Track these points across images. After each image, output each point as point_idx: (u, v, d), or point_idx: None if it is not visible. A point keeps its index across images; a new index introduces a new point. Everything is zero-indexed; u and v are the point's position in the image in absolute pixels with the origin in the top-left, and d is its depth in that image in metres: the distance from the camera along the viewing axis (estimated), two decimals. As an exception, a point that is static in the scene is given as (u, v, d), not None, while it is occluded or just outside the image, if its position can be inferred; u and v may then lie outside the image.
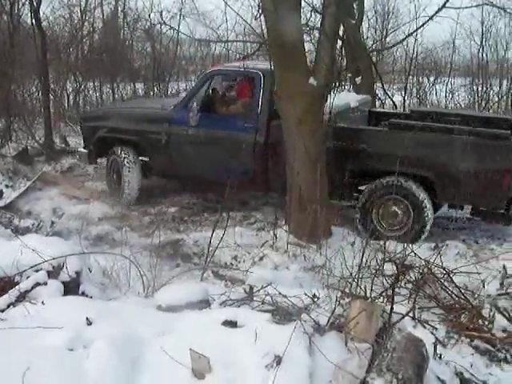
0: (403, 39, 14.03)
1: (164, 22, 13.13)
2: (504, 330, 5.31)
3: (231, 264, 6.82)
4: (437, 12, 7.88)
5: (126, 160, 9.20)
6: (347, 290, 4.84)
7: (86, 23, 18.63)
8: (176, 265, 6.81)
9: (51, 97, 14.91)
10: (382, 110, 11.52)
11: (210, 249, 6.24)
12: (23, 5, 16.59)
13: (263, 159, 8.34)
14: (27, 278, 4.88)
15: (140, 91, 16.90)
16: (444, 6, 7.70)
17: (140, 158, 9.43)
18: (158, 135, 9.00)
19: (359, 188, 8.22)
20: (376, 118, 9.62)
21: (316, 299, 4.42)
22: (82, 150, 10.36)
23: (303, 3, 8.93)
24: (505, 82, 17.76)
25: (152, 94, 16.60)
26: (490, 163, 7.41)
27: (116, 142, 9.45)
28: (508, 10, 13.43)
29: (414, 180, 7.72)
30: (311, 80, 6.98)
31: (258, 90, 8.43)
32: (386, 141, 7.93)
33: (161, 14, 16.09)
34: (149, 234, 7.64)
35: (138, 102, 13.18)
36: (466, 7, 8.54)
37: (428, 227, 7.79)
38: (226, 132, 8.54)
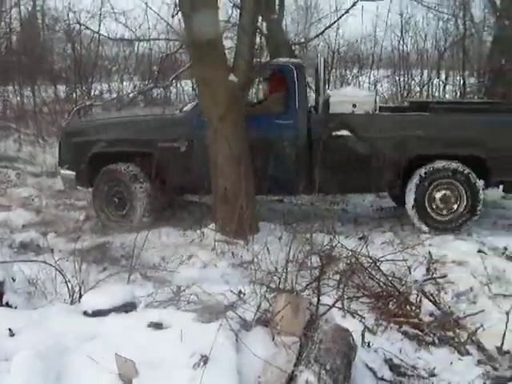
0: (322, 31, 14.23)
1: (79, 23, 12.91)
2: (431, 315, 5.44)
3: (159, 265, 6.76)
4: (353, 5, 7.98)
5: (136, 178, 8.09)
6: (273, 285, 4.84)
7: (1, 24, 18.22)
8: (103, 268, 6.70)
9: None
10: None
11: (137, 250, 6.17)
12: None
13: (307, 157, 7.98)
14: None
15: (62, 93, 16.58)
16: (360, -2, 7.82)
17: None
18: (176, 143, 8.02)
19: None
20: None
21: (242, 295, 4.42)
22: (66, 171, 8.69)
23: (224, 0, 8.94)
24: (425, 72, 18.11)
25: (75, 96, 16.31)
26: None
27: (116, 157, 8.22)
28: (423, 3, 13.73)
29: (464, 162, 7.92)
30: (231, 77, 6.97)
31: (291, 84, 8.01)
32: (436, 125, 8.06)
33: (79, 15, 15.97)
34: (75, 239, 7.53)
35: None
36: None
37: (480, 207, 8.00)
38: (262, 132, 7.91)
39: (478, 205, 7.93)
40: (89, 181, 8.44)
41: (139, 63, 17.18)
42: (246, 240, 6.94)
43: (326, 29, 12.84)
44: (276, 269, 5.31)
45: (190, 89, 14.93)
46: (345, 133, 7.88)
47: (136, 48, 17.56)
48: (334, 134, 7.87)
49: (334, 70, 17.71)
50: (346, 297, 5.52)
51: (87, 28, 14.79)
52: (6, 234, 7.82)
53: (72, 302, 4.98)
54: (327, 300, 4.82)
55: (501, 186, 8.57)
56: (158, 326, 3.90)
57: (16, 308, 4.97)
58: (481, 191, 7.95)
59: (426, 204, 8.01)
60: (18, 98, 16.97)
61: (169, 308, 4.46)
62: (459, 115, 8.24)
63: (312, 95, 8.79)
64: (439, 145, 7.98)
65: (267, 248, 6.07)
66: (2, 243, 7.44)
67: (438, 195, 8.00)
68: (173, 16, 7.32)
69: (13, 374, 3.49)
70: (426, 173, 7.93)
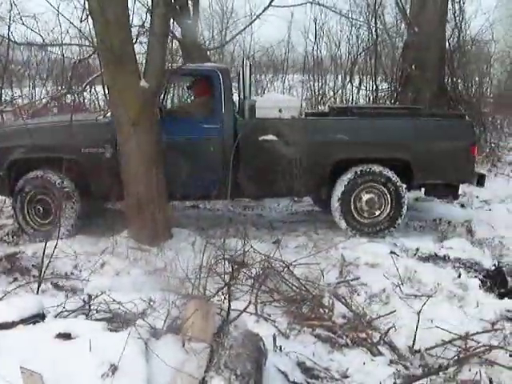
0: (234, 36, 14.33)
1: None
2: (344, 317, 5.52)
3: (71, 274, 6.65)
4: (264, 9, 8.02)
5: (62, 185, 7.78)
6: (184, 292, 4.83)
7: None
8: (13, 279, 6.56)
9: None
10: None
11: (47, 259, 6.05)
12: None
13: (233, 162, 7.72)
14: None
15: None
16: (270, 4, 7.86)
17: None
18: (101, 148, 7.79)
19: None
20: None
21: (152, 303, 4.39)
22: None
23: (138, 4, 8.86)
24: (339, 78, 18.43)
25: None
26: (457, 140, 8.23)
27: (38, 164, 7.90)
28: (336, 10, 13.95)
29: (387, 166, 8.16)
30: (142, 82, 6.92)
31: (217, 88, 7.98)
32: (360, 129, 8.25)
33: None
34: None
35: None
36: (292, 5, 8.74)
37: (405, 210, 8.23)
38: (186, 138, 7.89)
39: (402, 207, 8.16)
40: (9, 188, 8.11)
41: (52, 68, 16.83)
42: (159, 247, 6.89)
43: (238, 33, 12.86)
44: (187, 275, 5.29)
45: (103, 95, 14.74)
46: (271, 137, 7.93)
47: (48, 53, 17.23)
48: (260, 138, 7.93)
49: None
50: (259, 301, 5.56)
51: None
52: None
53: (-22, 315, 4.84)
54: (240, 305, 4.83)
55: (422, 190, 8.89)
56: (66, 336, 3.84)
57: None
58: (404, 194, 8.17)
59: (352, 208, 8.18)
60: None
61: (78, 317, 4.39)
62: (383, 119, 8.45)
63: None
64: (363, 149, 8.17)
65: (180, 254, 6.05)
66: None
67: (363, 199, 8.18)
68: (81, 20, 7.17)
69: None
70: (349, 177, 8.08)
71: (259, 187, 7.92)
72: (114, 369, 3.47)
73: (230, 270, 5.68)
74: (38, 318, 4.40)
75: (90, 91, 14.82)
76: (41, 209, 7.96)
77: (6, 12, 15.65)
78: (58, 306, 4.66)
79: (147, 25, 7.28)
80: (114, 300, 4.31)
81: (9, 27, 15.58)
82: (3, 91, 16.36)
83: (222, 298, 4.98)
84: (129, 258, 6.80)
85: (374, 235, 8.08)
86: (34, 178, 7.90)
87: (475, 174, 8.49)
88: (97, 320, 4.18)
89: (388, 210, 8.19)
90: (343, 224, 8.17)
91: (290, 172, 7.89)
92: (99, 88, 15.11)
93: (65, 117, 8.57)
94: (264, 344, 4.15)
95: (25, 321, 4.33)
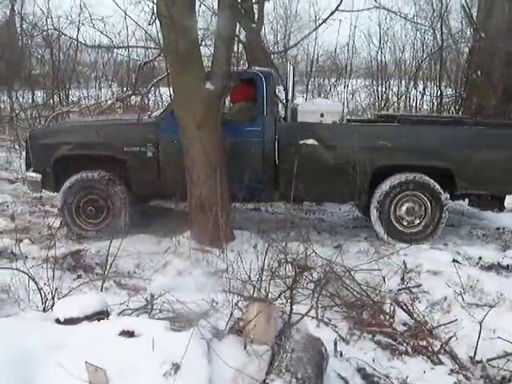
0: (299, 41, 14.20)
1: (56, 29, 12.85)
2: (405, 324, 5.45)
3: (134, 272, 6.75)
4: (331, 14, 8.00)
5: (113, 183, 8.06)
6: (247, 294, 4.85)
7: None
8: (77, 276, 6.68)
9: None
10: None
11: (112, 258, 6.13)
12: None
13: (273, 165, 8.00)
14: None
15: (39, 99, 16.50)
16: (337, 8, 7.83)
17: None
18: (143, 147, 7.94)
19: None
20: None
21: (215, 304, 4.42)
22: (32, 174, 8.48)
23: (204, 7, 8.93)
24: (403, 83, 18.25)
25: (52, 101, 16.24)
26: (502, 150, 7.97)
27: (85, 160, 8.10)
28: (401, 15, 13.82)
29: (430, 175, 8.04)
30: (208, 85, 6.97)
31: (260, 92, 8.03)
32: (403, 136, 8.12)
33: (58, 20, 15.94)
34: (50, 246, 7.49)
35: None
36: (359, 10, 8.69)
37: (445, 220, 8.13)
38: (230, 138, 7.73)
39: (442, 217, 8.07)
40: (54, 184, 8.33)
41: (118, 70, 17.12)
42: (221, 248, 6.93)
43: (303, 38, 12.92)
44: (250, 277, 5.30)
45: (169, 97, 14.89)
46: (311, 141, 7.91)
47: (115, 55, 17.55)
48: (301, 142, 7.91)
49: (312, 79, 17.76)
50: (319, 306, 5.54)
51: (64, 35, 14.69)
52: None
53: (45, 310, 4.95)
54: (301, 309, 4.81)
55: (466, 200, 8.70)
56: (129, 334, 3.88)
57: (-12, 315, 4.96)
58: (446, 204, 8.07)
59: (391, 216, 8.09)
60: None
61: (141, 316, 4.44)
62: (426, 127, 8.28)
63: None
64: (405, 156, 8.04)
65: (242, 256, 6.07)
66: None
67: (403, 207, 8.09)
68: (150, 23, 7.27)
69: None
70: (391, 185, 8.01)
71: (299, 191, 7.67)
72: (176, 368, 3.49)
73: (293, 273, 5.66)
74: (102, 315, 4.47)
75: (155, 93, 14.98)
76: (92, 209, 8.15)
77: (75, 15, 16.10)
78: (121, 304, 4.71)
79: (212, 28, 7.32)
80: (177, 300, 4.34)
81: (78, 30, 15.98)
82: (70, 92, 16.73)
83: (284, 301, 4.98)
84: (191, 259, 6.86)
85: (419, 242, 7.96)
86: (83, 179, 8.10)
87: None
88: (160, 319, 4.21)
89: (428, 220, 8.08)
90: (381, 232, 8.10)
91: (330, 177, 7.89)
92: (163, 90, 15.28)
93: (111, 116, 9.26)
94: (325, 348, 4.13)
95: (89, 317, 4.41)
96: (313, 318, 5.20)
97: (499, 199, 8.33)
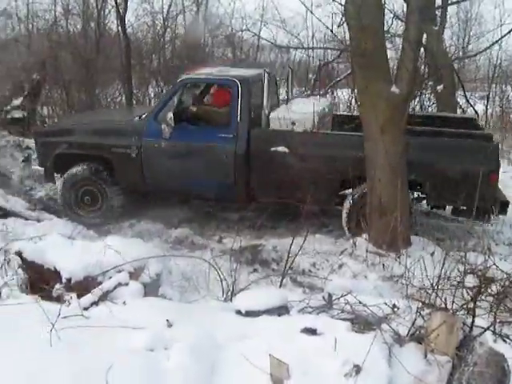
0: (487, 48, 13.69)
1: (248, 29, 13.23)
2: None
3: (309, 271, 6.83)
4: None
5: (102, 176, 8.68)
6: (427, 301, 4.77)
7: (168, 30, 18.96)
8: (253, 270, 6.86)
9: (134, 101, 15.24)
10: (345, 113, 11.17)
11: (290, 255, 6.22)
12: (109, 12, 17.10)
13: (245, 170, 8.13)
14: (109, 278, 5.01)
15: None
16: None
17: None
18: (128, 149, 8.44)
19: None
20: (339, 122, 9.42)
21: (396, 309, 4.38)
22: (37, 167, 9.47)
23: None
24: None
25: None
26: (473, 164, 7.36)
27: (80, 158, 8.77)
28: None
29: None
30: (393, 88, 6.91)
31: (234, 98, 8.12)
32: None
33: (241, 20, 16.40)
34: (225, 239, 7.78)
35: (103, 112, 12.48)
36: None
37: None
38: (203, 144, 8.17)
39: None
40: (52, 177, 9.15)
41: (296, 70, 17.33)
42: (398, 253, 6.86)
43: (491, 45, 12.45)
44: (431, 285, 5.20)
45: (346, 97, 14.92)
46: (282, 149, 7.92)
47: (294, 55, 17.79)
48: (272, 149, 7.95)
49: (493, 85, 17.10)
50: (497, 320, 5.35)
51: (255, 35, 15.13)
52: (162, 230, 8.12)
53: (225, 300, 5.12)
54: (479, 322, 4.68)
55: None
56: (311, 331, 3.95)
57: (171, 300, 5.20)
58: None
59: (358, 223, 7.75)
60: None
61: (321, 315, 4.49)
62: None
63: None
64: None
65: (418, 263, 5.97)
66: (160, 238, 7.77)
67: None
68: (339, 25, 7.34)
69: (172, 363, 3.64)
70: (356, 194, 7.79)
71: (269, 195, 7.96)
72: (357, 369, 3.51)
73: (476, 284, 5.50)
74: (283, 310, 4.57)
75: (332, 94, 15.03)
76: (88, 198, 8.77)
77: (258, 17, 16.49)
78: (300, 301, 4.78)
79: (392, 30, 7.25)
80: (360, 302, 4.35)
81: (259, 31, 16.34)
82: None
83: (465, 312, 4.86)
84: (367, 262, 6.85)
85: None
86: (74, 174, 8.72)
87: (493, 200, 7.63)
88: (340, 319, 4.24)
89: None
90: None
91: (299, 185, 7.53)
92: (340, 92, 15.32)
93: (106, 116, 10.43)
94: (508, 365, 3.99)
95: (270, 311, 4.52)
96: (493, 332, 5.03)
97: (485, 210, 7.59)
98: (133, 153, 8.41)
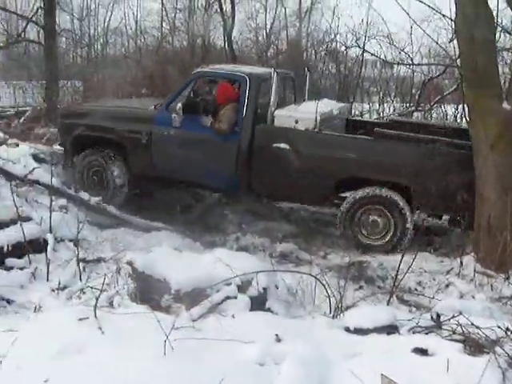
0: None
1: (357, 45, 13.23)
2: None
3: (415, 289, 6.73)
4: None
5: (113, 160, 9.17)
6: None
7: (271, 45, 19.20)
8: (359, 287, 6.81)
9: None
10: (361, 118, 11.62)
11: (394, 273, 6.15)
12: (214, 28, 17.43)
13: (247, 164, 8.43)
14: (217, 291, 5.08)
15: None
16: None
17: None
18: (139, 135, 8.91)
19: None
20: (353, 127, 9.67)
21: (510, 333, 4.25)
22: (58, 147, 9.98)
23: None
24: None
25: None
26: (460, 172, 7.40)
27: (95, 141, 9.31)
28: None
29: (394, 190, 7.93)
30: (505, 104, 6.76)
31: (243, 93, 8.48)
32: (369, 150, 8.16)
33: (345, 36, 16.40)
34: (329, 254, 7.76)
35: (128, 100, 12.55)
36: None
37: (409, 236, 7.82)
38: (209, 135, 8.53)
39: (406, 232, 7.83)
40: (71, 158, 9.49)
41: (400, 85, 17.15)
42: (507, 274, 6.67)
43: None
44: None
45: (452, 114, 14.63)
46: (283, 145, 8.22)
47: (397, 70, 17.63)
48: (274, 145, 8.23)
49: None
50: None
51: (366, 51, 15.14)
52: (267, 244, 8.17)
53: (333, 317, 5.10)
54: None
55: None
56: (422, 352, 3.90)
57: (277, 314, 5.22)
58: (409, 220, 7.82)
59: (355, 226, 8.05)
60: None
61: (430, 335, 4.41)
62: (397, 143, 8.14)
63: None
64: (371, 169, 7.98)
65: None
66: (265, 252, 7.82)
67: (368, 219, 8.05)
68: (450, 41, 7.25)
69: (282, 377, 3.66)
70: (354, 197, 8.03)
71: (269, 190, 8.51)
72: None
73: None
74: (391, 329, 4.52)
75: (438, 109, 14.79)
76: (96, 178, 9.27)
77: (362, 32, 16.43)
78: (409, 320, 4.71)
79: (500, 44, 7.09)
80: (472, 323, 4.25)
81: (363, 46, 16.26)
82: (353, 105, 17.07)
83: None
84: (474, 282, 6.70)
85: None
86: (89, 153, 9.28)
87: None
88: (452, 340, 4.16)
89: (392, 234, 7.92)
90: (347, 241, 8.04)
91: (297, 181, 8.15)
92: (447, 107, 15.04)
93: (128, 103, 10.72)
94: None
95: (378, 330, 4.48)
96: None
97: None
98: (143, 139, 8.87)
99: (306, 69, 10.20)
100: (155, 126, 8.83)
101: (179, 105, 8.47)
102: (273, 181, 8.37)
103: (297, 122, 8.28)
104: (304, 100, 9.76)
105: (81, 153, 9.32)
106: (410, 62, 15.02)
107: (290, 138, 8.25)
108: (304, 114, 8.41)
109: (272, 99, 8.44)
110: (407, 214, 7.84)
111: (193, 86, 9.02)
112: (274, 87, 8.39)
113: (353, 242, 8.04)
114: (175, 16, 22.63)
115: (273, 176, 8.34)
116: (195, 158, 8.60)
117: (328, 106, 9.04)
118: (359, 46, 15.54)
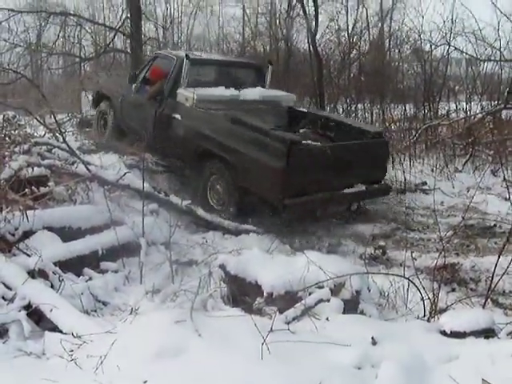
0: None
1: (448, 43, 13.04)
2: None
3: (510, 292, 6.57)
4: None
5: (110, 111, 12.29)
6: None
7: (354, 46, 19.11)
8: (451, 289, 6.69)
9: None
10: (303, 109, 11.93)
11: (488, 275, 6.02)
12: (297, 31, 17.49)
13: (158, 125, 10.35)
14: (309, 294, 5.09)
15: (409, 111, 16.74)
16: None
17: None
18: (119, 98, 11.86)
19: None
20: (295, 117, 10.93)
21: None
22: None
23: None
24: None
25: (422, 114, 16.46)
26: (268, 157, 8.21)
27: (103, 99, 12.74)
28: None
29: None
30: None
31: (170, 72, 10.48)
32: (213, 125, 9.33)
33: (430, 34, 16.18)
34: (420, 257, 7.65)
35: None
36: None
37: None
38: (145, 101, 10.88)
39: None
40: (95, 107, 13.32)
41: (488, 83, 16.78)
42: None
43: None
44: None
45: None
46: (177, 116, 9.97)
47: (484, 67, 17.27)
48: (172, 115, 10.07)
49: None
50: None
51: (454, 48, 14.94)
52: (356, 246, 8.12)
53: (428, 320, 5.05)
54: None
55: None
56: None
57: (370, 317, 5.19)
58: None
59: (208, 194, 9.22)
60: (367, 114, 17.53)
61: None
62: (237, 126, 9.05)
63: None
64: (213, 143, 9.07)
65: None
66: (354, 254, 7.77)
67: (216, 187, 9.13)
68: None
69: (380, 381, 3.65)
70: (204, 166, 9.29)
71: (163, 146, 10.24)
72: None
73: None
74: (490, 332, 4.44)
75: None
76: (102, 123, 12.76)
77: (447, 30, 16.16)
78: (507, 323, 4.62)
79: None
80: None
81: (448, 43, 16.01)
82: (440, 105, 16.81)
83: None
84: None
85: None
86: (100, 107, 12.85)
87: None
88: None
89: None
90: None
91: (178, 146, 9.82)
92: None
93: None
94: None
95: (475, 333, 4.42)
96: None
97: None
98: (119, 101, 11.82)
99: (268, 62, 11.94)
100: (124, 93, 11.73)
101: (140, 77, 11.25)
102: (167, 140, 10.11)
103: (186, 99, 9.85)
104: (264, 87, 11.20)
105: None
106: (500, 58, 14.68)
107: (181, 111, 9.93)
108: (190, 94, 9.77)
109: (181, 80, 10.16)
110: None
111: (150, 64, 11.47)
112: (184, 69, 10.10)
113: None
114: (257, 21, 22.80)
115: (169, 137, 10.07)
116: (140, 116, 10.96)
117: (249, 93, 10.54)
118: (448, 44, 15.28)
